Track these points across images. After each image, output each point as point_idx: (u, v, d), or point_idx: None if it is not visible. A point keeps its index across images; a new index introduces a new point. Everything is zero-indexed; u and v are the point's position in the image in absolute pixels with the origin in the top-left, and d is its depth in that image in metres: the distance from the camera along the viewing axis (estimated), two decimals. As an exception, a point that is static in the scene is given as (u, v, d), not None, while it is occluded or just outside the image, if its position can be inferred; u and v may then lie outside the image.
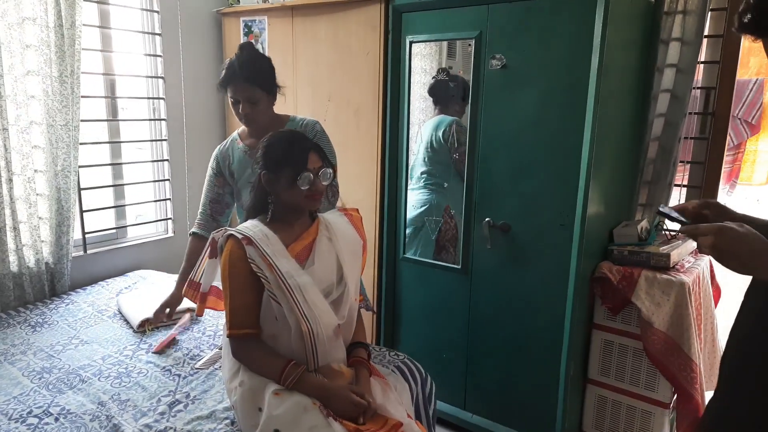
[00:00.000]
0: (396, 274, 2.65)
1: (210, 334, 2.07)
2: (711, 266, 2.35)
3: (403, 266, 2.62)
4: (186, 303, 2.03)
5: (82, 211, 2.58)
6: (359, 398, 1.40)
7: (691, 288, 2.03)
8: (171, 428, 1.50)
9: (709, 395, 1.18)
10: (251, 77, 1.83)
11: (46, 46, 2.25)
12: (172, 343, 1.99)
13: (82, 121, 2.43)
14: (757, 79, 2.98)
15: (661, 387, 2.09)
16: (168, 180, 2.97)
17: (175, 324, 2.13)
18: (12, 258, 2.29)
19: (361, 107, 2.60)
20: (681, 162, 2.38)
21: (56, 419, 1.54)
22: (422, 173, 2.61)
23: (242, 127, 2.04)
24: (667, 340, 2.01)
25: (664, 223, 2.29)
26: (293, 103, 2.81)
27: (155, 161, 2.96)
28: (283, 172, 1.47)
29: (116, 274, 2.73)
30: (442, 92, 2.51)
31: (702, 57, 2.28)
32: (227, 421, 1.52)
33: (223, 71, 1.86)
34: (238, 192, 2.02)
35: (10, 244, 2.27)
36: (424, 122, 2.58)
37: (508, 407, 2.36)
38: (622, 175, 2.31)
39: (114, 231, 2.83)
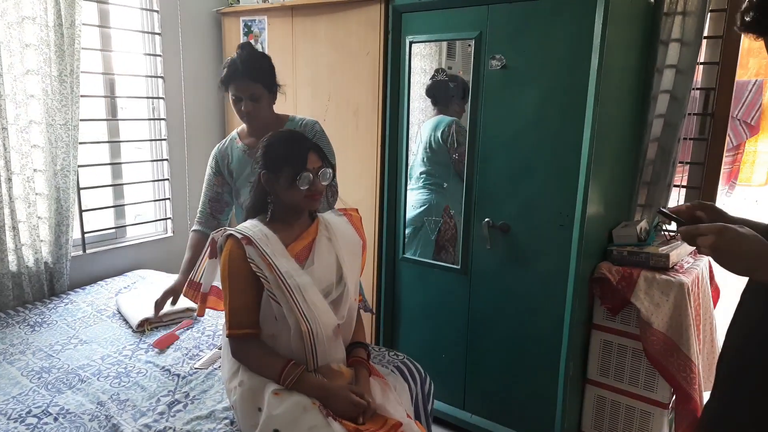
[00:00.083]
0: (395, 274, 2.65)
1: (209, 334, 2.07)
2: (710, 267, 2.35)
3: (402, 266, 2.62)
4: (186, 303, 2.03)
5: (81, 211, 2.58)
6: (359, 398, 1.40)
7: (691, 288, 2.03)
8: (170, 428, 1.50)
9: (707, 396, 1.18)
10: (253, 74, 1.83)
11: (45, 45, 2.24)
12: (174, 339, 1.99)
13: (81, 120, 2.42)
14: (756, 80, 2.98)
15: (660, 387, 2.10)
16: (167, 179, 2.97)
17: (175, 323, 2.13)
18: (11, 257, 2.29)
19: (361, 107, 2.60)
20: (680, 163, 2.38)
21: (55, 419, 1.54)
22: (421, 173, 2.61)
23: (241, 126, 2.04)
24: (666, 340, 2.01)
25: (663, 223, 2.29)
26: (293, 102, 2.81)
27: (154, 161, 2.95)
28: (283, 171, 1.47)
29: (115, 273, 2.73)
30: (441, 92, 2.51)
31: (701, 58, 2.28)
32: (227, 421, 1.52)
33: (225, 69, 1.86)
34: (237, 191, 2.02)
35: (9, 243, 2.27)
36: (423, 122, 2.58)
37: (508, 407, 2.36)
38: (621, 175, 2.31)
39: (113, 231, 2.83)
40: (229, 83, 1.86)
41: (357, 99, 2.60)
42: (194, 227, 2.08)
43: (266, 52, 2.83)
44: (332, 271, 1.55)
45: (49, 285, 2.45)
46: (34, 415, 1.55)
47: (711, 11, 2.23)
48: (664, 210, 1.18)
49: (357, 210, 1.72)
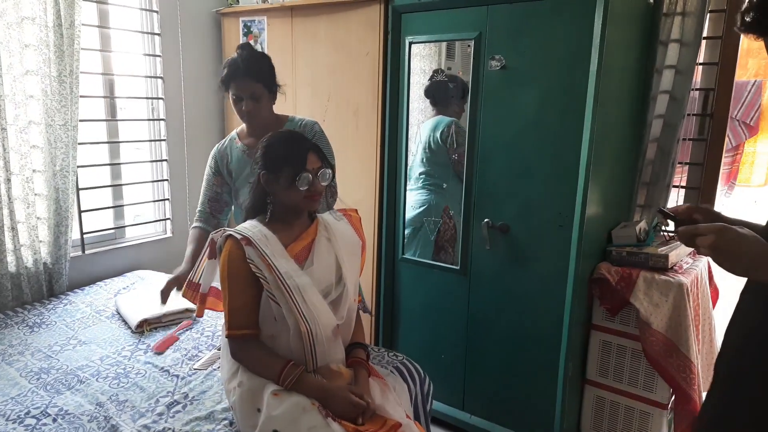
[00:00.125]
0: (395, 274, 2.65)
1: (208, 335, 2.07)
2: (709, 267, 2.35)
3: (402, 267, 2.62)
4: (185, 303, 2.03)
5: (80, 212, 2.57)
6: (358, 399, 1.40)
7: (690, 289, 2.03)
8: (169, 429, 1.50)
9: (706, 396, 1.18)
10: (254, 73, 1.84)
11: (45, 45, 2.24)
12: (173, 341, 1.99)
13: (80, 121, 2.42)
14: (755, 81, 2.99)
15: (659, 388, 2.10)
16: (167, 180, 2.97)
17: (174, 324, 2.13)
18: (10, 258, 2.28)
19: (361, 108, 2.60)
20: (679, 163, 2.38)
21: (54, 420, 1.53)
22: (421, 174, 2.61)
23: (240, 127, 2.04)
24: (665, 341, 2.01)
25: (662, 224, 2.29)
26: (292, 103, 2.81)
27: (154, 161, 2.95)
28: (282, 172, 1.47)
29: (114, 274, 2.72)
30: (440, 93, 2.51)
31: (701, 58, 2.28)
32: (226, 422, 1.52)
33: (225, 69, 1.86)
34: (237, 191, 2.02)
35: (8, 244, 2.27)
36: (422, 122, 2.58)
37: (507, 408, 2.36)
38: (620, 176, 2.31)
39: (112, 231, 2.82)
40: (230, 82, 1.86)
41: (357, 99, 2.60)
42: (194, 225, 2.07)
43: (266, 52, 2.83)
44: (332, 272, 1.54)
45: (48, 286, 2.45)
46: (33, 416, 1.55)
47: (710, 12, 2.23)
48: (663, 210, 1.19)
49: (356, 210, 1.72)
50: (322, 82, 2.72)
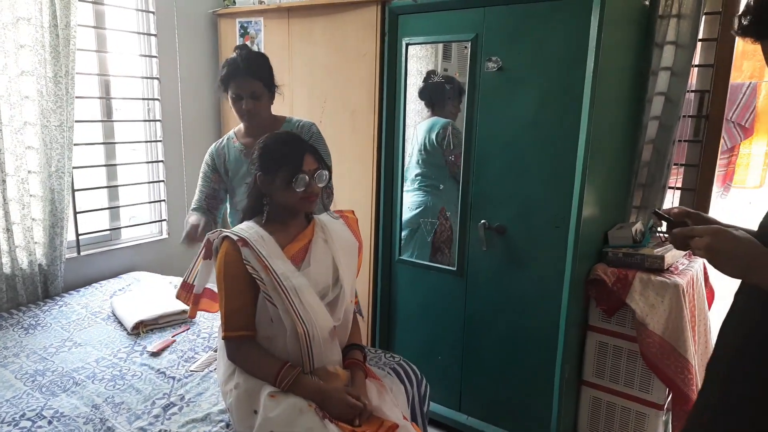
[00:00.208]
0: (391, 275, 2.65)
1: (205, 336, 2.07)
2: (705, 268, 2.36)
3: (398, 268, 2.62)
4: (182, 305, 2.02)
5: (75, 213, 2.56)
6: (355, 400, 1.40)
7: (685, 290, 2.03)
8: (165, 431, 1.49)
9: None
10: (254, 71, 1.84)
11: (40, 46, 2.24)
12: (170, 343, 1.99)
13: (76, 121, 2.41)
14: (750, 83, 3.00)
15: (655, 389, 2.10)
16: (162, 181, 2.96)
17: (170, 326, 2.12)
18: (5, 259, 2.27)
19: (357, 109, 2.60)
20: (675, 165, 2.39)
21: (49, 422, 1.53)
22: (417, 175, 2.61)
23: (238, 127, 2.04)
24: (662, 342, 2.01)
25: (657, 225, 2.30)
26: (289, 104, 2.81)
27: (150, 162, 2.94)
28: (279, 173, 1.47)
29: (110, 275, 2.71)
30: (436, 95, 2.51)
31: (696, 60, 2.29)
32: (222, 423, 1.52)
33: (225, 68, 1.87)
34: (233, 190, 2.02)
35: (3, 245, 2.25)
36: (418, 124, 2.58)
37: (503, 409, 2.36)
38: (616, 177, 2.32)
39: (108, 232, 2.81)
40: (230, 81, 1.86)
41: (353, 101, 2.60)
42: (192, 209, 2.02)
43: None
44: (328, 273, 1.54)
45: (43, 287, 2.44)
46: (28, 419, 1.54)
47: (705, 14, 2.24)
48: (657, 211, 1.19)
49: (353, 211, 1.72)
50: (319, 83, 2.71)
